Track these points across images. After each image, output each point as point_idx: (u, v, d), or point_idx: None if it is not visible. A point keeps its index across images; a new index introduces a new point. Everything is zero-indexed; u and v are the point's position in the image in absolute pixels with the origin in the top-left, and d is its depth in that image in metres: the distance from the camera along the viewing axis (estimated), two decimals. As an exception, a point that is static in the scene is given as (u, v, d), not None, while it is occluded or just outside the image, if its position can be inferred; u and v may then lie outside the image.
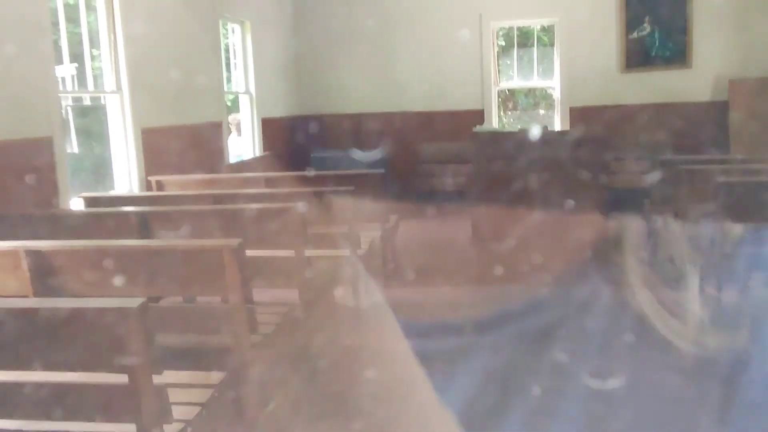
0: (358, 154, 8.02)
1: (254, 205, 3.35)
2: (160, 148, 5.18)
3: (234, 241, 2.35)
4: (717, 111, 7.87)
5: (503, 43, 9.82)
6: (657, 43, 8.19)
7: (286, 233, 3.08)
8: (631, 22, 8.21)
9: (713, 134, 7.56)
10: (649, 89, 8.12)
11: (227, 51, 7.19)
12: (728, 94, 7.82)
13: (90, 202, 3.88)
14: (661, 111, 7.95)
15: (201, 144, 6.01)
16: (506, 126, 10.61)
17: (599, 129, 7.16)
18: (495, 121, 8.80)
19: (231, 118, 7.21)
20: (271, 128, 7.69)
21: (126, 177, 4.96)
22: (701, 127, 7.67)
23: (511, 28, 9.23)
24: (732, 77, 7.84)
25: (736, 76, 7.84)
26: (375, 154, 8.10)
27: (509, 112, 11.60)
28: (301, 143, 8.31)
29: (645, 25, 8.19)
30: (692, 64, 8.12)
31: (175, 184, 4.87)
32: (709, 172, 3.14)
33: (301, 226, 3.11)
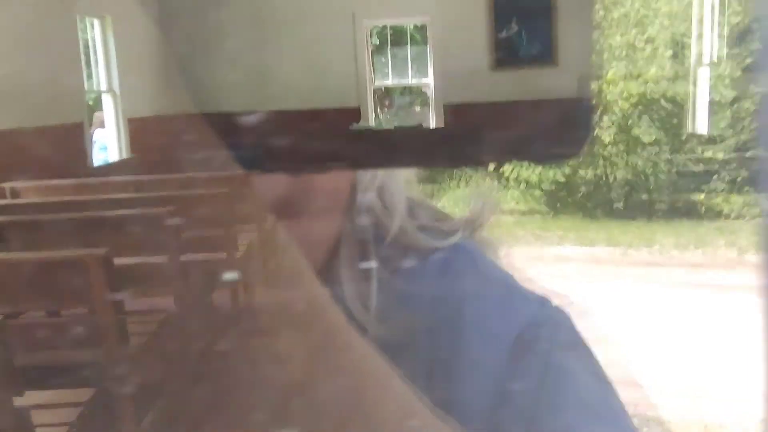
0: (233, 154, 7.85)
1: (123, 211, 3.19)
2: (14, 153, 4.81)
3: (99, 250, 2.22)
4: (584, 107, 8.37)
5: (377, 42, 9.98)
6: (525, 42, 8.62)
7: (158, 238, 2.95)
8: (499, 22, 8.58)
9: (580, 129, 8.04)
10: (519, 87, 8.50)
11: (87, 47, 6.79)
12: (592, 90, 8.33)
13: (-67, 212, 3.53)
14: (531, 108, 8.35)
15: (60, 147, 5.65)
16: (383, 124, 10.79)
17: (474, 126, 7.44)
18: (372, 119, 8.93)
19: (96, 116, 6.82)
20: (138, 128, 7.34)
21: (-24, 184, 4.56)
22: (568, 123, 8.14)
23: (385, 27, 9.38)
24: (596, 73, 8.37)
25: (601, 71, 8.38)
26: (251, 153, 7.97)
27: (385, 109, 11.81)
28: (172, 144, 8.01)
29: (513, 24, 8.59)
30: (558, 62, 8.59)
31: (32, 191, 4.52)
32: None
33: (175, 230, 3.00)
